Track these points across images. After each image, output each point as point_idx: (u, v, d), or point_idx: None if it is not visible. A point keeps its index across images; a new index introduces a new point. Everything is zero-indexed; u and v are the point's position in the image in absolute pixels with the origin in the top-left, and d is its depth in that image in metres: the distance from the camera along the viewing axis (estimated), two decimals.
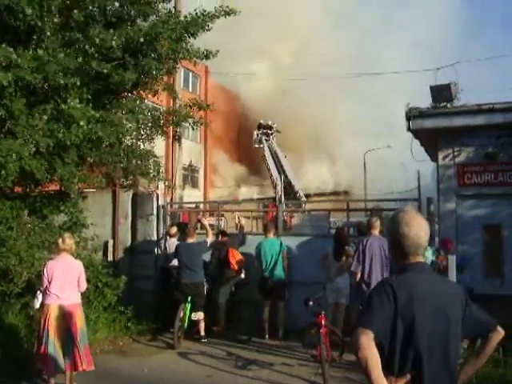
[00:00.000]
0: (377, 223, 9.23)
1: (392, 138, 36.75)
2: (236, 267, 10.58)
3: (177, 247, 10.85)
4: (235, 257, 10.70)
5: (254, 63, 43.51)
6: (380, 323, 2.83)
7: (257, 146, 40.77)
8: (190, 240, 10.79)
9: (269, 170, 39.38)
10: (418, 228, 3.08)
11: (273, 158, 40.17)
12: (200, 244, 10.73)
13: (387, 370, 2.82)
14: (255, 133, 41.02)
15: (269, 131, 41.10)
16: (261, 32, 42.90)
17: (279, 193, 33.25)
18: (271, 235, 10.95)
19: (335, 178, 47.12)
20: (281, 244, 10.80)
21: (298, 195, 37.77)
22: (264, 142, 40.36)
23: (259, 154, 41.39)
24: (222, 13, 10.95)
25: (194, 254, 10.51)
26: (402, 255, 3.10)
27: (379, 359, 2.73)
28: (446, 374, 2.93)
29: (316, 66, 40.66)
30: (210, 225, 12.96)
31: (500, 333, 3.17)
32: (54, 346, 7.28)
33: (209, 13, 10.86)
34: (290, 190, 38.56)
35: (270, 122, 41.47)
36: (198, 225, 13.12)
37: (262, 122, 41.53)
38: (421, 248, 3.10)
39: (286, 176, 38.80)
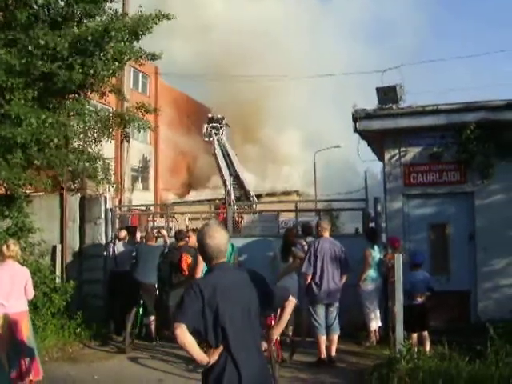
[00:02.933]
0: (327, 225, 9.35)
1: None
2: (187, 272, 10.50)
3: (137, 248, 10.97)
4: (187, 262, 10.62)
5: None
6: (190, 316, 3.78)
7: (206, 139, 40.78)
8: (150, 243, 10.95)
9: (220, 169, 39.31)
10: (218, 239, 4.02)
11: (223, 154, 40.11)
12: (159, 248, 10.91)
13: (207, 345, 3.88)
14: (205, 126, 41.01)
15: (218, 125, 41.13)
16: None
17: (230, 194, 33.29)
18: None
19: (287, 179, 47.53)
20: (232, 246, 10.79)
21: (249, 196, 37.85)
22: (214, 135, 40.35)
23: (210, 152, 41.40)
24: (164, 17, 10.94)
25: (151, 256, 10.63)
26: (209, 259, 4.07)
27: (194, 341, 3.76)
28: (251, 341, 3.94)
29: (265, 67, 40.97)
30: (161, 227, 12.86)
31: (292, 301, 4.22)
32: None
33: (151, 14, 10.82)
34: (241, 190, 38.61)
35: (219, 116, 41.50)
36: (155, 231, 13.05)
37: (211, 115, 41.53)
38: (222, 253, 4.05)
39: (237, 176, 38.86)
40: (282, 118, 48.76)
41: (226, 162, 39.92)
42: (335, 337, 8.90)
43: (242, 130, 47.78)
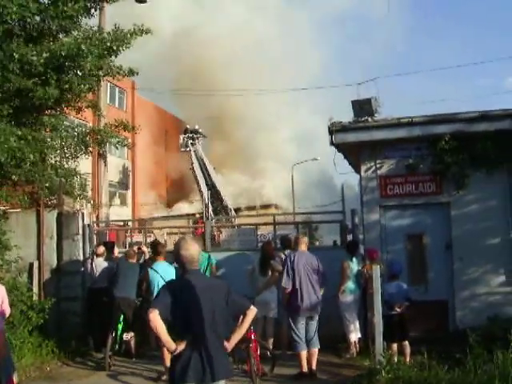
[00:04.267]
0: (303, 239, 9.36)
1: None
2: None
3: (117, 264, 10.85)
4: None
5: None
6: (162, 307, 4.51)
7: (183, 149, 40.97)
8: (131, 260, 10.82)
9: (197, 182, 39.33)
10: (191, 250, 4.82)
11: (201, 168, 40.23)
12: (138, 266, 10.74)
13: (176, 336, 4.54)
14: (181, 137, 41.28)
15: (195, 135, 41.36)
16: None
17: (208, 208, 33.22)
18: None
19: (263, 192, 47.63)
20: (209, 257, 10.80)
21: (228, 210, 37.88)
22: (190, 146, 40.52)
23: (187, 167, 41.43)
24: (142, 33, 10.97)
25: (132, 272, 10.50)
26: (183, 266, 4.82)
27: (164, 326, 4.46)
28: (214, 337, 4.61)
29: (242, 80, 41.16)
30: (138, 242, 12.78)
31: (253, 310, 4.90)
32: None
33: (129, 30, 10.85)
34: (220, 204, 38.63)
35: (196, 127, 41.74)
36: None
37: (188, 126, 41.76)
38: (194, 261, 4.82)
39: (215, 189, 38.91)
40: (262, 129, 49.03)
41: (204, 175, 40.02)
42: (315, 350, 8.84)
43: (222, 142, 47.85)
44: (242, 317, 4.89)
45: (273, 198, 45.46)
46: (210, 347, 4.54)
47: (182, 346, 4.51)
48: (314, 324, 8.88)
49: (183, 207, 43.03)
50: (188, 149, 41.11)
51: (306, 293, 8.75)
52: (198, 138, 42.08)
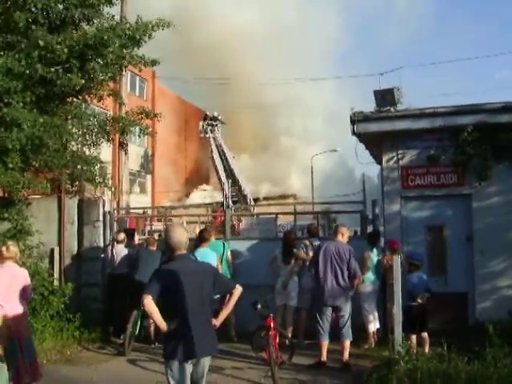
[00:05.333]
0: (342, 229, 9.16)
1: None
2: None
3: (137, 251, 10.97)
4: None
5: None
6: (154, 291, 5.00)
7: (202, 135, 41.22)
8: (151, 247, 10.91)
9: (217, 171, 39.44)
10: (178, 235, 5.23)
11: (220, 156, 40.35)
12: (159, 253, 10.69)
13: (167, 317, 4.99)
14: (201, 123, 41.56)
15: (214, 122, 41.55)
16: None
17: (227, 197, 33.35)
18: (212, 238, 10.91)
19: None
20: (223, 245, 10.85)
21: (247, 199, 37.92)
22: (210, 132, 40.74)
23: (207, 156, 41.58)
24: (164, 25, 11.00)
25: (152, 259, 10.47)
26: (172, 250, 5.23)
27: (157, 309, 4.95)
28: (202, 316, 5.09)
29: (262, 70, 41.21)
30: (158, 230, 12.84)
31: (238, 289, 5.32)
32: None
33: (151, 21, 10.88)
34: (239, 193, 38.71)
35: (215, 114, 41.88)
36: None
37: (207, 113, 41.92)
38: (182, 246, 5.22)
39: (233, 177, 39.01)
40: (285, 116, 49.10)
41: (223, 163, 40.13)
42: (346, 343, 8.81)
43: (241, 133, 47.94)
44: (228, 295, 5.45)
45: (296, 188, 45.56)
46: (197, 327, 5.01)
47: (172, 326, 4.98)
48: (344, 315, 8.84)
49: (195, 197, 42.96)
50: (207, 135, 41.27)
51: (329, 282, 8.73)
52: (217, 125, 42.23)
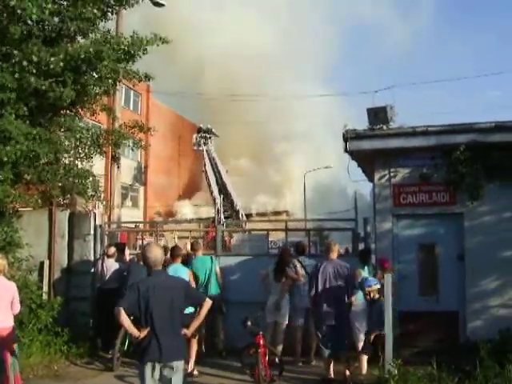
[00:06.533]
0: (335, 246, 9.23)
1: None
2: None
3: (129, 266, 10.83)
4: None
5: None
6: (127, 304, 5.52)
7: (195, 148, 41.41)
8: (141, 263, 10.76)
9: (209, 185, 39.47)
10: (154, 253, 5.79)
11: (213, 169, 40.45)
12: None
13: (141, 324, 5.51)
14: (194, 136, 41.74)
15: (207, 135, 41.77)
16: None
17: (219, 212, 33.25)
18: (200, 253, 10.91)
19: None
20: (212, 260, 10.82)
21: (239, 214, 37.89)
22: (203, 145, 40.91)
23: (200, 169, 41.65)
24: (160, 41, 11.03)
25: (142, 275, 10.36)
26: (149, 267, 5.82)
27: (127, 319, 5.47)
28: (172, 325, 5.59)
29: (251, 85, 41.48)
30: None
31: (208, 302, 5.90)
32: None
33: (146, 37, 10.91)
34: (230, 208, 38.67)
35: (209, 126, 42.13)
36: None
37: (201, 126, 42.16)
38: (157, 263, 5.79)
39: (225, 191, 39.05)
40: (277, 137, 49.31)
41: (216, 176, 40.22)
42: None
43: (235, 148, 48.11)
44: (199, 308, 5.95)
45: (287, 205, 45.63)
46: (166, 334, 5.53)
47: (144, 333, 5.50)
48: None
49: (186, 213, 42.88)
50: (200, 148, 41.42)
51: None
52: (210, 138, 42.41)
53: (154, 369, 5.52)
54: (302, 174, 42.94)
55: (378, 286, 8.73)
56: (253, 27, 51.41)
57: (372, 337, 8.53)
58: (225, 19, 51.72)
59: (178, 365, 5.64)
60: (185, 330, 5.78)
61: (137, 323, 5.58)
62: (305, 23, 65.17)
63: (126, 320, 5.48)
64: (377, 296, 8.73)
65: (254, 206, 44.75)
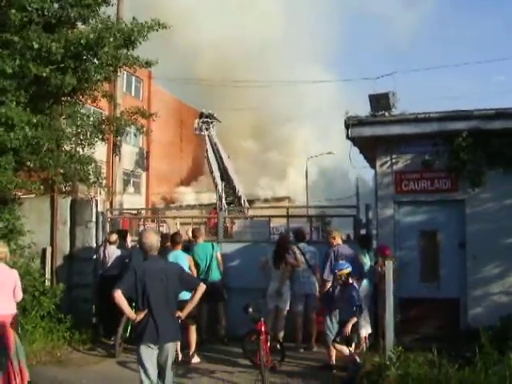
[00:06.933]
0: (338, 233, 9.32)
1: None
2: None
3: (130, 253, 10.83)
4: None
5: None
6: (126, 286, 5.84)
7: (197, 133, 41.51)
8: None
9: (211, 172, 39.46)
10: (150, 239, 6.08)
11: (214, 154, 40.43)
12: None
13: (138, 307, 5.88)
14: (196, 121, 41.84)
15: (209, 120, 41.78)
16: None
17: (221, 199, 33.30)
18: (201, 240, 10.95)
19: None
20: (213, 246, 10.85)
21: (241, 200, 37.92)
22: (205, 130, 40.93)
23: (202, 155, 41.66)
24: (159, 26, 10.97)
25: None
26: (145, 252, 6.09)
27: (125, 301, 5.77)
28: (167, 308, 5.92)
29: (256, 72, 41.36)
30: None
31: (202, 286, 6.19)
32: None
33: (146, 22, 10.85)
34: (232, 194, 38.67)
35: (210, 112, 42.10)
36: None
37: (203, 111, 42.14)
38: (153, 248, 6.08)
39: (227, 176, 39.06)
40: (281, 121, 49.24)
41: (218, 162, 40.21)
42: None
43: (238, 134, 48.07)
44: (193, 291, 6.21)
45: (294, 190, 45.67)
46: (162, 317, 5.83)
47: (141, 316, 5.84)
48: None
49: (188, 200, 42.94)
50: (202, 133, 41.41)
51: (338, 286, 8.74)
52: (212, 123, 42.36)
53: (152, 349, 5.85)
54: (305, 157, 42.93)
55: (349, 270, 8.57)
56: (255, 12, 51.14)
57: (349, 326, 8.33)
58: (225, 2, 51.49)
59: (173, 346, 6.05)
60: (179, 313, 6.07)
61: (134, 307, 5.96)
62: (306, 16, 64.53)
63: (123, 302, 5.76)
64: (350, 281, 8.56)
65: (259, 190, 44.79)
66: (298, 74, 47.56)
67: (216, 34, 46.92)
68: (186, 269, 9.48)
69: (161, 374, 6.04)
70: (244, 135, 49.12)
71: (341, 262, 8.92)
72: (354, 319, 8.21)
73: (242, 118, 47.42)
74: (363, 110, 11.14)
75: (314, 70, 51.86)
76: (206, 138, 41.18)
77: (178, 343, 9.02)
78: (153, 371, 5.91)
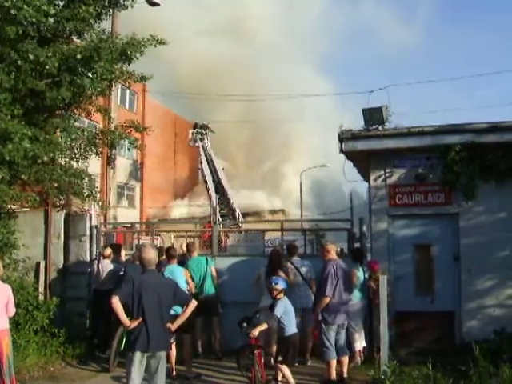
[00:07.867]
0: (332, 246, 9.20)
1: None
2: None
3: (125, 267, 10.74)
4: None
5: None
6: (124, 294, 6.22)
7: (191, 144, 41.50)
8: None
9: (206, 184, 39.43)
10: (149, 254, 6.47)
11: (209, 166, 40.42)
12: None
13: (133, 316, 6.18)
14: (190, 132, 41.77)
15: (203, 131, 41.81)
16: None
17: (216, 212, 33.18)
18: (195, 254, 10.95)
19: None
20: (207, 260, 10.83)
21: (235, 213, 37.84)
22: (199, 141, 40.93)
23: (196, 167, 41.67)
24: (155, 42, 11.00)
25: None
26: (143, 266, 6.48)
27: (122, 308, 6.12)
28: (159, 320, 6.27)
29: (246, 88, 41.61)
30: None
31: (193, 303, 6.55)
32: None
33: (143, 38, 10.88)
34: (227, 206, 38.60)
35: (204, 122, 42.15)
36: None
37: (197, 121, 42.18)
38: (151, 263, 6.47)
39: (223, 192, 38.99)
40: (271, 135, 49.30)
41: (212, 174, 40.20)
42: (346, 358, 8.82)
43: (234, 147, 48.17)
44: (184, 307, 6.58)
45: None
46: (154, 326, 6.20)
47: (134, 324, 6.19)
48: (344, 332, 8.83)
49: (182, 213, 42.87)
50: (196, 144, 41.42)
51: (340, 301, 8.70)
52: (206, 134, 42.41)
53: (142, 357, 6.20)
54: (299, 170, 43.00)
55: (282, 287, 8.49)
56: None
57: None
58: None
59: (163, 355, 6.36)
60: (169, 324, 6.44)
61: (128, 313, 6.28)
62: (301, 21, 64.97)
63: (120, 310, 6.13)
64: (281, 296, 8.48)
65: (254, 203, 44.77)
66: (296, 87, 47.55)
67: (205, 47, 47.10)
68: (183, 282, 9.50)
69: (151, 383, 6.40)
70: (239, 147, 49.21)
71: (274, 277, 8.84)
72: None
73: (237, 130, 47.60)
74: (357, 123, 11.20)
75: (310, 82, 52.11)
76: (200, 148, 41.19)
77: (174, 357, 9.07)
78: (138, 379, 6.27)
